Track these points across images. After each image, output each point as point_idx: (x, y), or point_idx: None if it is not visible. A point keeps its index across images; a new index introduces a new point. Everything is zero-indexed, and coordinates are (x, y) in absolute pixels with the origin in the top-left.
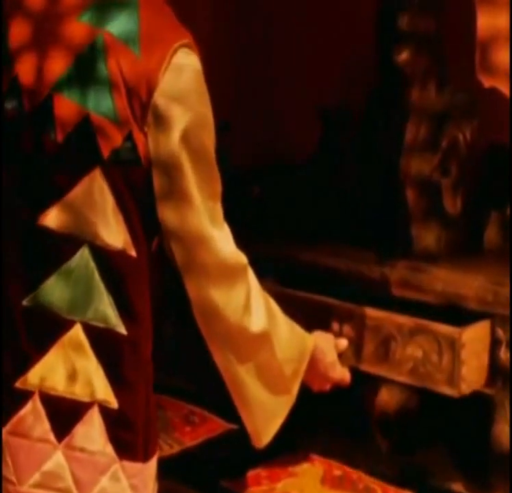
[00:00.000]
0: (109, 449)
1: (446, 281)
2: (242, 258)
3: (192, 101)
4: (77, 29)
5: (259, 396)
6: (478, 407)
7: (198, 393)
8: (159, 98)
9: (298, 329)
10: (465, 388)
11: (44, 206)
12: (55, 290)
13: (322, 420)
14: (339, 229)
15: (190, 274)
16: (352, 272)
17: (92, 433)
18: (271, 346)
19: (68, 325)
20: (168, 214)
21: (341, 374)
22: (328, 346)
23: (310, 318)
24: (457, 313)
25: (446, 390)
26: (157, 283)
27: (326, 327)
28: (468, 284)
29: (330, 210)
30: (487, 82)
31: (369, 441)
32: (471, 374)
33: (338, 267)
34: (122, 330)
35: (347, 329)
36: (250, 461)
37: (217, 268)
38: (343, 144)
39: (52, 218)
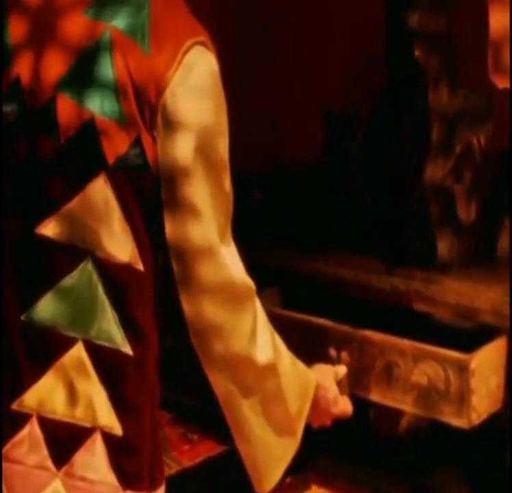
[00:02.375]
0: (112, 478)
1: (460, 292)
2: (250, 282)
3: (205, 104)
4: (80, 24)
5: (263, 436)
6: (493, 425)
7: (197, 408)
8: (168, 100)
9: (300, 364)
10: (475, 418)
11: (41, 215)
12: (54, 305)
13: (328, 440)
14: (344, 237)
15: (192, 292)
16: (360, 282)
17: (93, 461)
18: (277, 380)
19: (68, 343)
20: (174, 225)
21: (344, 407)
22: (329, 381)
23: (307, 341)
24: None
25: (455, 421)
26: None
27: (323, 351)
28: (483, 296)
29: (335, 217)
30: (500, 83)
31: (378, 461)
32: (482, 402)
33: (345, 277)
34: (127, 350)
35: (345, 354)
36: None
37: (224, 287)
38: (349, 148)
39: (51, 228)
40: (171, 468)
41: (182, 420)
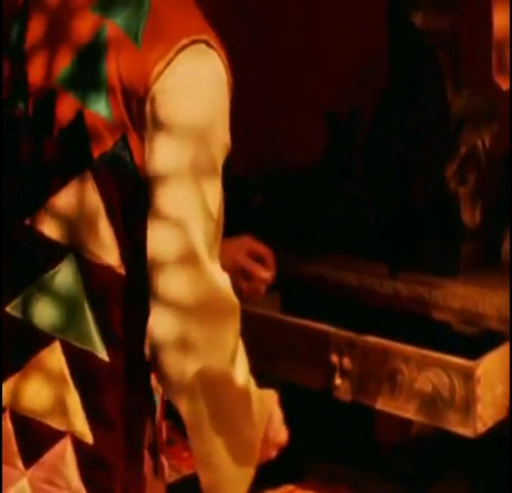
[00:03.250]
0: (81, 488)
1: (465, 297)
2: (236, 299)
3: (195, 105)
4: (86, 20)
5: (227, 464)
6: (499, 434)
7: None
8: (156, 98)
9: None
10: (481, 427)
11: (34, 207)
12: (34, 300)
13: (329, 447)
14: (346, 241)
15: (161, 305)
16: (363, 287)
17: (61, 466)
18: (249, 405)
19: (46, 341)
20: (153, 233)
21: (285, 435)
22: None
23: (308, 347)
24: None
25: (460, 430)
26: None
27: (325, 358)
28: (488, 301)
29: (337, 220)
30: (504, 84)
31: (380, 470)
32: (488, 410)
33: (347, 281)
34: (104, 356)
35: (347, 360)
36: (254, 488)
37: (208, 300)
38: (352, 149)
39: (40, 221)
40: (170, 476)
41: (181, 427)
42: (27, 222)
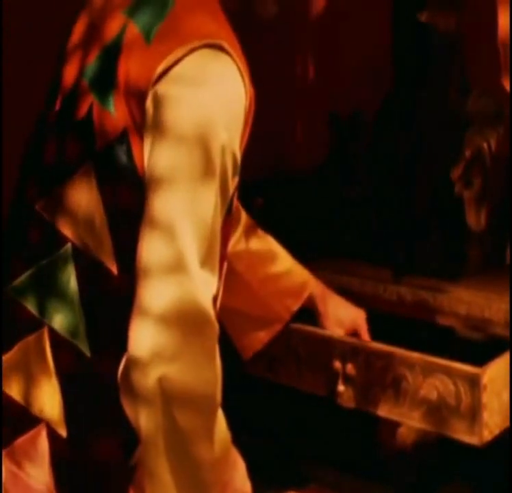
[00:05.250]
0: (50, 481)
1: (470, 303)
2: (212, 313)
3: (196, 110)
4: (116, 20)
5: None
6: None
7: None
8: (157, 99)
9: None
10: (487, 435)
11: (45, 191)
12: (31, 283)
13: (333, 454)
14: (349, 244)
15: (145, 313)
16: (366, 292)
17: (33, 453)
18: (211, 432)
19: (36, 325)
20: (144, 239)
21: (250, 489)
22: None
23: (311, 353)
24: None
25: (465, 438)
26: None
27: (328, 364)
28: (494, 306)
29: (340, 223)
30: (509, 85)
31: (384, 477)
32: (494, 418)
33: (350, 286)
34: (85, 350)
35: (351, 367)
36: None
37: (185, 311)
38: (355, 150)
39: (44, 206)
40: None
41: None
42: (38, 206)
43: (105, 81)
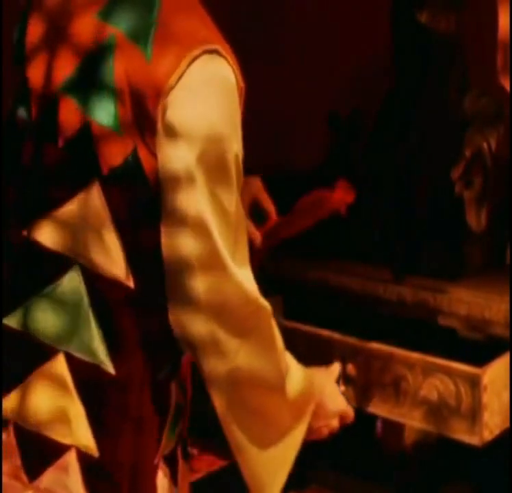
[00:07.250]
0: None
1: (470, 303)
2: (264, 301)
3: (209, 115)
4: (90, 25)
5: (257, 450)
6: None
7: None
8: (169, 109)
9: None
10: (488, 435)
11: (37, 220)
12: (38, 312)
13: (333, 455)
14: (350, 245)
15: (198, 307)
16: (366, 292)
17: (66, 479)
18: (284, 401)
19: (50, 353)
20: (170, 238)
21: (343, 405)
22: (324, 375)
23: (312, 353)
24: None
25: (466, 438)
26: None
27: (328, 364)
28: (495, 307)
29: (340, 224)
30: (509, 86)
31: (384, 478)
32: (494, 418)
33: (351, 287)
34: (109, 369)
35: (351, 367)
36: None
37: (236, 302)
38: (355, 149)
39: (42, 234)
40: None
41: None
42: (26, 232)
43: (98, 94)
